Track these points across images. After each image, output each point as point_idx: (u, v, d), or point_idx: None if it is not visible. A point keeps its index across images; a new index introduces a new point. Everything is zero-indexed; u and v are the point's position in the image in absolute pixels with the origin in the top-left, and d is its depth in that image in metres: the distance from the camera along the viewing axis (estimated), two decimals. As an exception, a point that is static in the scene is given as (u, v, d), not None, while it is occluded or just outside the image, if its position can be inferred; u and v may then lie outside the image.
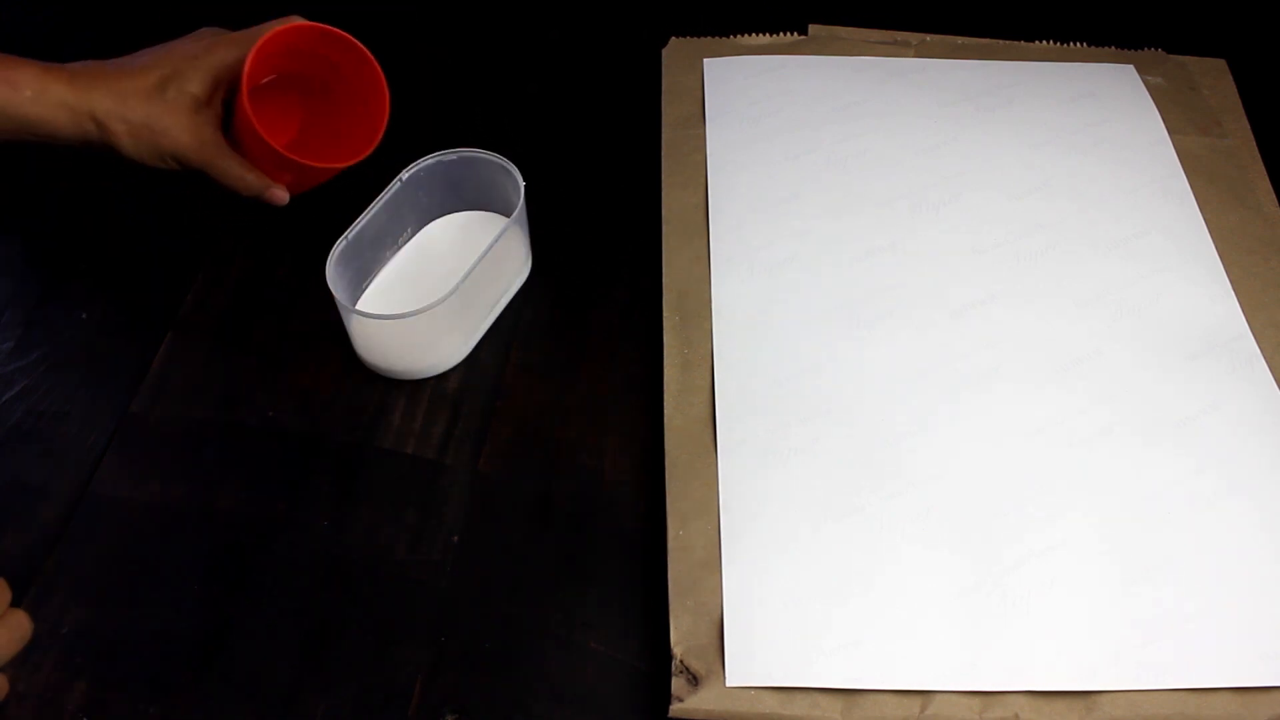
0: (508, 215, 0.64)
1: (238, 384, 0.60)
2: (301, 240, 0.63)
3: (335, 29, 0.56)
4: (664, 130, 0.71)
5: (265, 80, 0.59)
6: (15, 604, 0.51)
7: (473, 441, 0.58)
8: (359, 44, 0.57)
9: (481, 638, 0.51)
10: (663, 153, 0.70)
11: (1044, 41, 0.78)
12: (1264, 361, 0.58)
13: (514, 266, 0.64)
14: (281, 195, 0.57)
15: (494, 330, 0.63)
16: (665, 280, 0.63)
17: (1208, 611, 0.49)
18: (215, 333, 0.63)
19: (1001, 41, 0.78)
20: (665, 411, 0.57)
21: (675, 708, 0.47)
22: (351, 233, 0.58)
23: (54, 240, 0.68)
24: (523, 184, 0.61)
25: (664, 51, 0.77)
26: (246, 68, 0.53)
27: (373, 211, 0.59)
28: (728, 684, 0.47)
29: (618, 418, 0.59)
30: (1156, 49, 0.78)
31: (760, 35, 0.77)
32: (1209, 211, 0.66)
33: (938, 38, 0.78)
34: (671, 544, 0.52)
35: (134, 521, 0.55)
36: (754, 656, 0.48)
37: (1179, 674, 0.47)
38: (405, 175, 0.61)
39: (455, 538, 0.54)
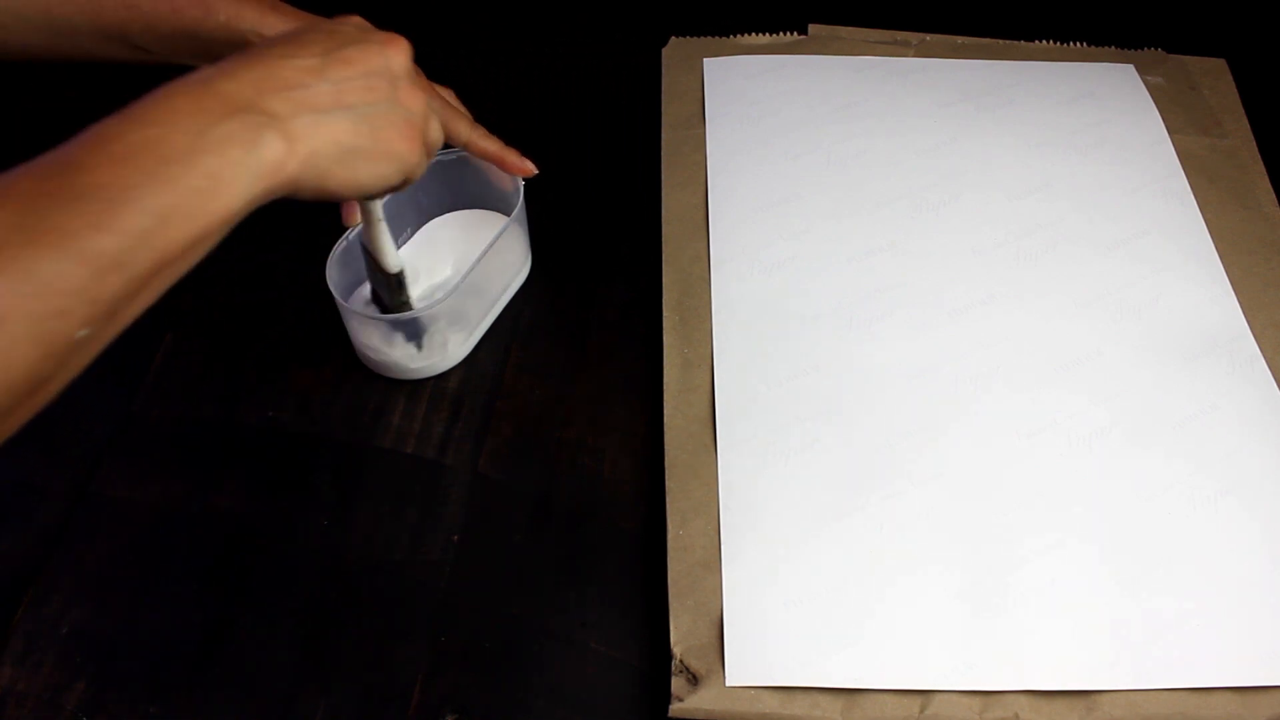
0: (507, 215, 0.64)
1: (238, 384, 0.60)
2: (301, 240, 0.63)
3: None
4: (664, 130, 0.71)
5: None
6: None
7: (473, 441, 0.58)
8: None
9: (481, 638, 0.51)
10: (663, 153, 0.70)
11: (1044, 41, 0.78)
12: (1264, 361, 0.58)
13: (514, 266, 0.64)
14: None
15: (494, 330, 0.63)
16: (665, 280, 0.63)
17: (1207, 611, 0.49)
18: (215, 333, 0.63)
19: (1001, 41, 0.78)
20: (665, 411, 0.57)
21: (675, 707, 0.47)
22: (351, 233, 0.58)
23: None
24: (522, 183, 0.61)
25: (664, 51, 0.77)
26: None
27: (373, 211, 0.59)
28: (727, 684, 0.47)
29: (618, 418, 0.59)
30: (1156, 49, 0.78)
31: (760, 35, 0.77)
32: (1209, 211, 0.66)
33: (938, 38, 0.78)
34: (671, 544, 0.52)
35: (134, 521, 0.55)
36: (754, 656, 0.48)
37: (1179, 674, 0.47)
38: (405, 175, 0.61)
39: (455, 538, 0.54)
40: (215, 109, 0.37)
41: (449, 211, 0.66)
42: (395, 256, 0.57)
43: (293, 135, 0.39)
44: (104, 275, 0.34)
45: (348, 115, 0.41)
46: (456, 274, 0.57)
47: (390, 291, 0.58)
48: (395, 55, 0.44)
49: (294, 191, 0.40)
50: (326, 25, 0.44)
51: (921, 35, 0.78)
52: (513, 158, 0.59)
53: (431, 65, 0.60)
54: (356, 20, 0.46)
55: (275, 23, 0.52)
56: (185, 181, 0.35)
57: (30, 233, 0.32)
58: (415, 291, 0.60)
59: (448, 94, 0.60)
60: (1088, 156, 0.69)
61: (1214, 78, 0.75)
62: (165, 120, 0.36)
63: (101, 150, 0.35)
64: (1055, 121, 0.71)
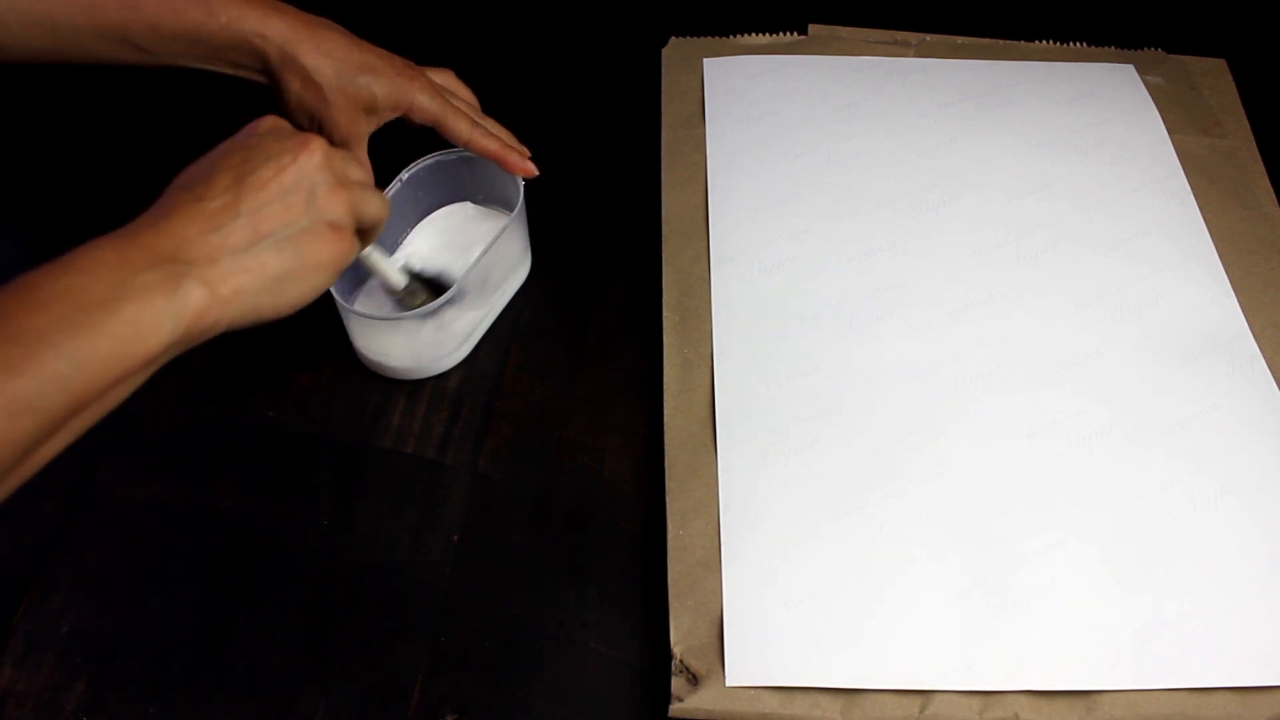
0: (507, 214, 0.64)
1: (237, 384, 0.60)
2: (301, 240, 0.63)
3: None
4: (664, 130, 0.71)
5: None
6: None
7: (473, 441, 0.58)
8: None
9: (481, 638, 0.51)
10: (663, 153, 0.70)
11: (1044, 41, 0.78)
12: (1264, 361, 0.58)
13: (514, 266, 0.64)
14: None
15: (494, 330, 0.63)
16: (665, 280, 0.63)
17: (1207, 611, 0.49)
18: (215, 333, 0.63)
19: (1001, 41, 0.78)
20: (665, 411, 0.57)
21: (675, 708, 0.47)
22: (351, 233, 0.58)
23: (55, 240, 0.67)
24: (522, 183, 0.61)
25: (664, 51, 0.77)
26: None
27: (373, 211, 0.59)
28: (727, 684, 0.47)
29: (618, 418, 0.59)
30: (1156, 49, 0.78)
31: (760, 35, 0.77)
32: (1209, 211, 0.66)
33: (938, 38, 0.78)
34: (671, 544, 0.52)
35: (134, 521, 0.55)
36: (754, 656, 0.48)
37: (1179, 674, 0.47)
38: (405, 175, 0.61)
39: (455, 538, 0.54)
40: (137, 260, 0.38)
41: (447, 208, 0.66)
42: (397, 275, 0.57)
43: (213, 280, 0.39)
44: (17, 419, 0.34)
45: (268, 245, 0.41)
46: (456, 272, 0.57)
47: (405, 299, 0.58)
48: (308, 159, 0.43)
49: (226, 329, 0.41)
50: (239, 143, 0.44)
51: (921, 35, 0.78)
52: (514, 158, 0.59)
53: (432, 64, 0.60)
54: (269, 124, 0.45)
55: (277, 24, 0.52)
56: (105, 327, 0.36)
57: None
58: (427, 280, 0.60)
59: (447, 78, 0.60)
60: (1088, 156, 0.69)
61: (1214, 78, 0.75)
62: (88, 270, 0.37)
63: (23, 297, 0.36)
64: (1055, 121, 0.71)
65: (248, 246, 0.41)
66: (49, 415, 0.35)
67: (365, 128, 0.55)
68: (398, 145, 0.60)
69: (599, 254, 0.67)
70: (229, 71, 0.54)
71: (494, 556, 0.54)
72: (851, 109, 0.72)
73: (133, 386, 0.38)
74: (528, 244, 0.65)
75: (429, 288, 0.58)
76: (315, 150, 0.43)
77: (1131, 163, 0.69)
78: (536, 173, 0.60)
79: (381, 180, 0.60)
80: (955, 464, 0.54)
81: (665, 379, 0.58)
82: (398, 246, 0.64)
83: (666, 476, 0.54)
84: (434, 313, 0.57)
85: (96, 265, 0.37)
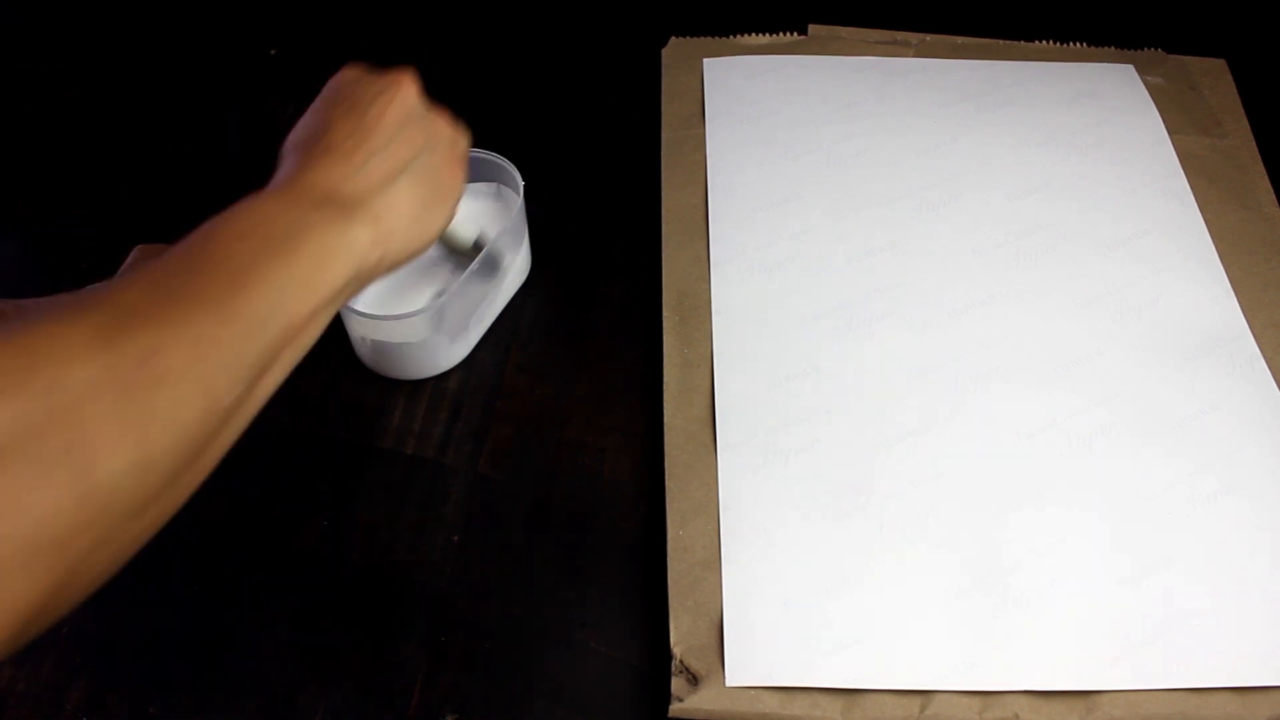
0: (507, 215, 0.64)
1: (238, 384, 0.60)
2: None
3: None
4: (664, 130, 0.71)
5: None
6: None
7: (473, 441, 0.58)
8: None
9: (481, 638, 0.51)
10: (663, 153, 0.70)
11: (1044, 41, 0.78)
12: (1264, 361, 0.58)
13: (514, 266, 0.64)
14: None
15: (494, 330, 0.63)
16: (665, 280, 0.63)
17: (1207, 611, 0.49)
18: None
19: (1001, 41, 0.78)
20: (665, 411, 0.57)
21: (675, 708, 0.47)
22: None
23: (55, 241, 0.68)
24: (522, 183, 0.61)
25: (664, 51, 0.77)
26: None
27: (373, 211, 0.59)
28: (727, 684, 0.47)
29: (618, 418, 0.59)
30: (1156, 49, 0.78)
31: (760, 35, 0.77)
32: (1209, 211, 0.66)
33: (938, 38, 0.78)
34: (671, 544, 0.52)
35: (134, 521, 0.55)
36: (754, 656, 0.48)
37: (1179, 674, 0.47)
38: (405, 175, 0.61)
39: (455, 538, 0.54)
40: (304, 201, 0.39)
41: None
42: (466, 231, 0.58)
43: (375, 216, 0.40)
44: (245, 339, 0.34)
45: (405, 177, 0.42)
46: (456, 274, 0.57)
47: (459, 250, 0.59)
48: (406, 93, 0.44)
49: (385, 271, 0.42)
50: (331, 97, 0.43)
51: (921, 35, 0.78)
52: None
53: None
54: (351, 74, 0.45)
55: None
56: (298, 255, 0.37)
57: (175, 301, 0.33)
58: (419, 291, 0.60)
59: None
60: (1088, 156, 0.69)
61: (1214, 78, 0.75)
62: (264, 213, 0.37)
63: (220, 233, 0.36)
64: (1055, 121, 0.71)
65: (389, 182, 0.41)
66: (268, 339, 0.35)
67: None
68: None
69: (599, 254, 0.67)
70: None
71: (494, 556, 0.54)
72: (851, 109, 0.72)
73: (324, 322, 0.38)
74: (528, 245, 0.65)
75: (478, 249, 0.59)
76: (407, 83, 0.44)
77: (1131, 163, 0.69)
78: None
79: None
80: (955, 464, 0.54)
81: (665, 379, 0.58)
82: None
83: (666, 476, 0.54)
84: (433, 311, 0.57)
85: (271, 211, 0.38)
